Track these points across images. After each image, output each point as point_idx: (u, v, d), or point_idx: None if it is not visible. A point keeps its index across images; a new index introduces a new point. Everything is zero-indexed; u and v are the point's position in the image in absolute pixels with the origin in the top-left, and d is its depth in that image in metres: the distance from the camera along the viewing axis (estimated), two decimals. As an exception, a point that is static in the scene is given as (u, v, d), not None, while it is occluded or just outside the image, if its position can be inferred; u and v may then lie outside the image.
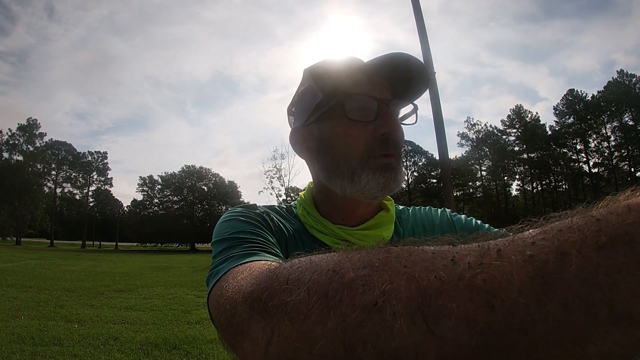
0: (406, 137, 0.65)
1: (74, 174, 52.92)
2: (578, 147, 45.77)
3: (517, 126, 48.24)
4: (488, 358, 0.20)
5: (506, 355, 0.20)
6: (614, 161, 43.47)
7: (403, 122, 0.66)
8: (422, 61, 0.61)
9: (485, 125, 50.09)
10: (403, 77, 0.62)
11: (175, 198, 50.68)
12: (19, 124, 46.47)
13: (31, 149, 46.71)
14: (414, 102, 0.66)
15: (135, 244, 53.77)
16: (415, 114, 0.67)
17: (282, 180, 22.18)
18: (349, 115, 0.59)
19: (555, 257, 0.20)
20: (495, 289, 0.21)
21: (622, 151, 42.77)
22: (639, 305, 0.18)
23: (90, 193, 55.82)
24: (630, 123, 41.28)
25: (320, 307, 0.25)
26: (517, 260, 0.21)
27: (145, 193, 51.00)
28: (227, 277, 0.42)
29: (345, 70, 0.61)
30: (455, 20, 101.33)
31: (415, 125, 0.68)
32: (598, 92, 44.23)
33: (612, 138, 43.30)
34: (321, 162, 0.64)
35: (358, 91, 0.60)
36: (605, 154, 44.12)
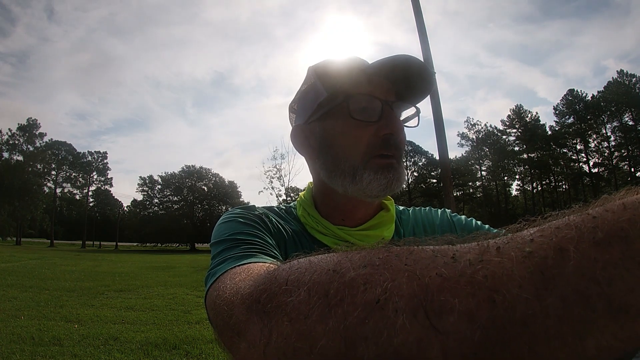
0: (406, 138, 0.65)
1: (74, 174, 52.96)
2: (578, 147, 45.82)
3: (517, 126, 48.25)
4: (490, 352, 0.20)
5: (508, 348, 0.20)
6: (614, 161, 43.48)
7: (405, 124, 0.65)
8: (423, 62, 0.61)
9: (485, 125, 50.20)
10: (407, 80, 0.61)
11: (175, 198, 50.67)
12: (19, 124, 46.58)
13: (31, 149, 46.72)
14: (417, 105, 0.66)
15: (135, 244, 53.78)
16: (417, 117, 0.66)
17: (282, 181, 22.23)
18: (353, 115, 0.59)
19: (554, 253, 0.21)
20: (496, 285, 0.21)
21: (622, 151, 42.77)
22: (635, 299, 0.19)
23: (90, 193, 55.90)
24: (630, 123, 41.27)
25: (321, 306, 0.25)
26: (516, 257, 0.22)
27: (145, 193, 51.04)
28: (224, 278, 0.41)
29: (349, 70, 0.61)
30: (454, 21, 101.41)
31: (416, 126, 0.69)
32: (598, 92, 44.34)
33: (612, 138, 43.37)
34: (322, 160, 0.64)
35: (362, 91, 0.60)
36: (605, 154, 44.13)
